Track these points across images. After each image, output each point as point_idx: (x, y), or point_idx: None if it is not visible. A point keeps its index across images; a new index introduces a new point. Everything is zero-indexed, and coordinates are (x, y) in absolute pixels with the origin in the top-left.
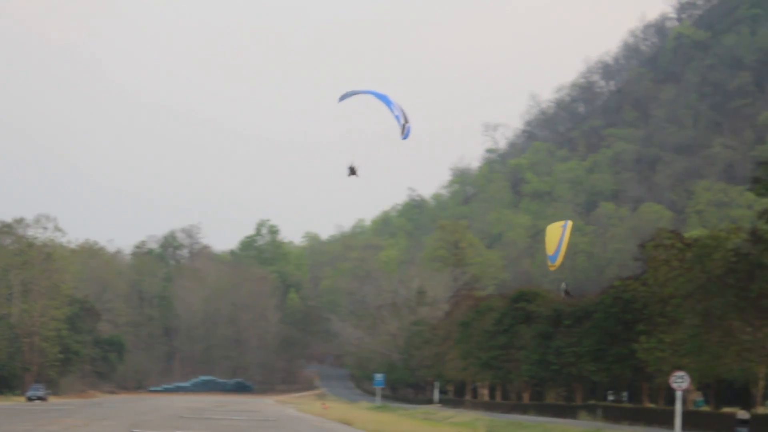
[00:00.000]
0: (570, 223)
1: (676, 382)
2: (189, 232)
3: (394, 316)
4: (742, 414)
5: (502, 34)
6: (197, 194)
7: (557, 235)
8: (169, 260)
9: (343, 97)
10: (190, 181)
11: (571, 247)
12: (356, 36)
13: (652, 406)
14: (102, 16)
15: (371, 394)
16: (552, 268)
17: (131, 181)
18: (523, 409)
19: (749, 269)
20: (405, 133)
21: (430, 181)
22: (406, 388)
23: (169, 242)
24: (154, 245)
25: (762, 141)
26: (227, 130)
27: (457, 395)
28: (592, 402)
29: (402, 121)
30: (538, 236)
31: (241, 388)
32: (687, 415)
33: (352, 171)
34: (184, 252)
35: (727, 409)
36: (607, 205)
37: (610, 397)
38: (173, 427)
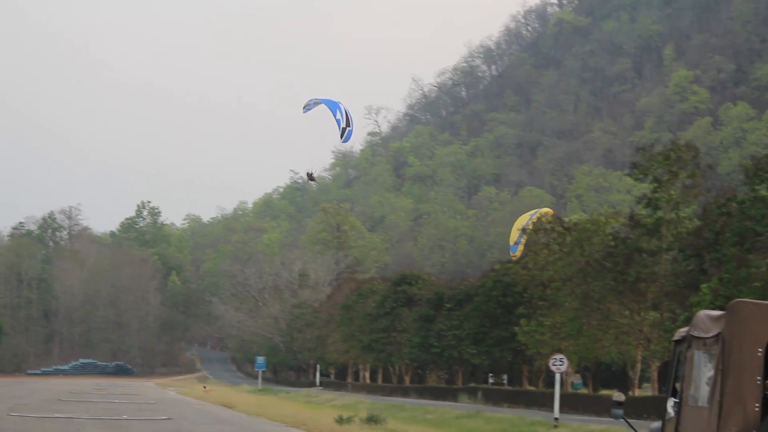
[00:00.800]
0: (541, 211)
1: (554, 365)
2: (68, 214)
3: (276, 298)
4: (618, 396)
5: (384, 17)
6: (77, 175)
7: (522, 224)
8: (48, 242)
9: (306, 109)
10: (70, 161)
11: (452, 230)
12: (239, 23)
13: (531, 388)
14: None
15: (253, 377)
16: (514, 258)
17: (8, 160)
18: (405, 392)
19: (627, 253)
20: (345, 136)
21: (313, 163)
22: (288, 371)
23: (48, 224)
24: (32, 227)
25: (640, 127)
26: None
27: (339, 378)
28: (472, 384)
29: (342, 125)
30: (420, 219)
31: (122, 371)
32: (565, 398)
33: (310, 177)
34: (64, 234)
35: (604, 392)
36: (488, 189)
37: (491, 380)
38: (52, 411)
